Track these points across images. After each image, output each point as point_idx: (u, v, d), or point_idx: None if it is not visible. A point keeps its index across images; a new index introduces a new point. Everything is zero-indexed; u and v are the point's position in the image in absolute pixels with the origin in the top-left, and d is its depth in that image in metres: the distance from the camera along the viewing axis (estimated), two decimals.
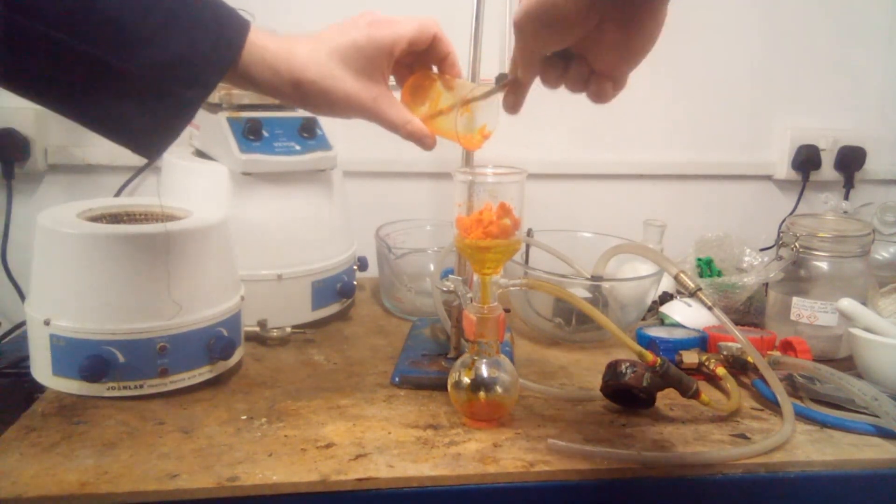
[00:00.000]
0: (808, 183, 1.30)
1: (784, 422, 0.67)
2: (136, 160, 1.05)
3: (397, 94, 0.61)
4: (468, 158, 0.73)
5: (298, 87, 0.55)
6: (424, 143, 0.60)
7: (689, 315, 0.92)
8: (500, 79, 0.55)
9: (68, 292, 0.67)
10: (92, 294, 0.66)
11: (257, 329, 0.83)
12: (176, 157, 0.91)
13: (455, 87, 0.60)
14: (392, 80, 0.61)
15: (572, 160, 1.24)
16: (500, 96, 0.56)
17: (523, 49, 0.49)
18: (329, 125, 0.91)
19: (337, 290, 0.93)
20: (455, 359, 0.71)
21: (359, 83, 0.56)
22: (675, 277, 0.74)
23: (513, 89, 0.54)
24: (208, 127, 0.88)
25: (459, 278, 0.74)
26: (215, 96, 0.84)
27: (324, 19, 0.58)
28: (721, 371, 0.76)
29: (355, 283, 0.98)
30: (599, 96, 0.50)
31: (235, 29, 0.53)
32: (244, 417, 0.66)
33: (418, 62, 0.62)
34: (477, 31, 0.72)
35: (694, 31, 1.21)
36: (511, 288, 0.68)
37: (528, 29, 0.46)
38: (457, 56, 0.61)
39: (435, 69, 0.63)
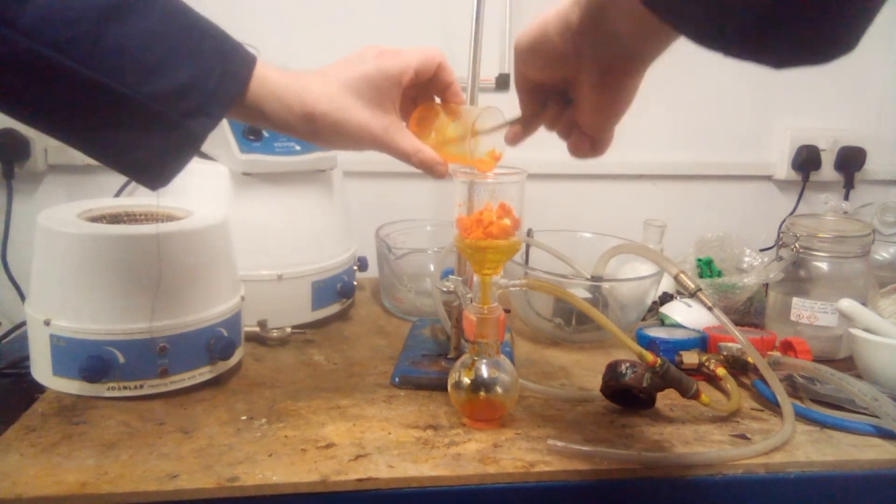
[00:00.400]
0: (808, 183, 1.30)
1: (784, 422, 0.67)
2: None
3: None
4: None
5: (311, 121, 0.55)
6: (436, 170, 0.59)
7: (689, 315, 0.92)
8: (500, 79, 0.55)
9: (68, 292, 0.67)
10: (92, 294, 0.66)
11: (257, 329, 0.83)
12: None
13: (460, 114, 0.60)
14: None
15: (572, 160, 1.22)
16: (505, 119, 0.57)
17: (516, 71, 0.51)
18: None
19: (337, 290, 0.93)
20: (455, 359, 0.71)
21: (370, 114, 0.56)
22: (675, 278, 0.74)
23: (519, 123, 0.55)
24: None
25: (459, 278, 0.74)
26: None
27: (324, 50, 0.57)
28: (721, 371, 0.76)
29: (355, 283, 0.98)
30: (576, 149, 0.53)
31: (241, 63, 0.53)
32: (244, 418, 0.66)
33: (422, 94, 0.62)
34: (477, 31, 0.72)
35: None
36: (511, 288, 0.68)
37: (521, 52, 0.49)
38: (459, 86, 0.62)
39: (438, 100, 0.63)
